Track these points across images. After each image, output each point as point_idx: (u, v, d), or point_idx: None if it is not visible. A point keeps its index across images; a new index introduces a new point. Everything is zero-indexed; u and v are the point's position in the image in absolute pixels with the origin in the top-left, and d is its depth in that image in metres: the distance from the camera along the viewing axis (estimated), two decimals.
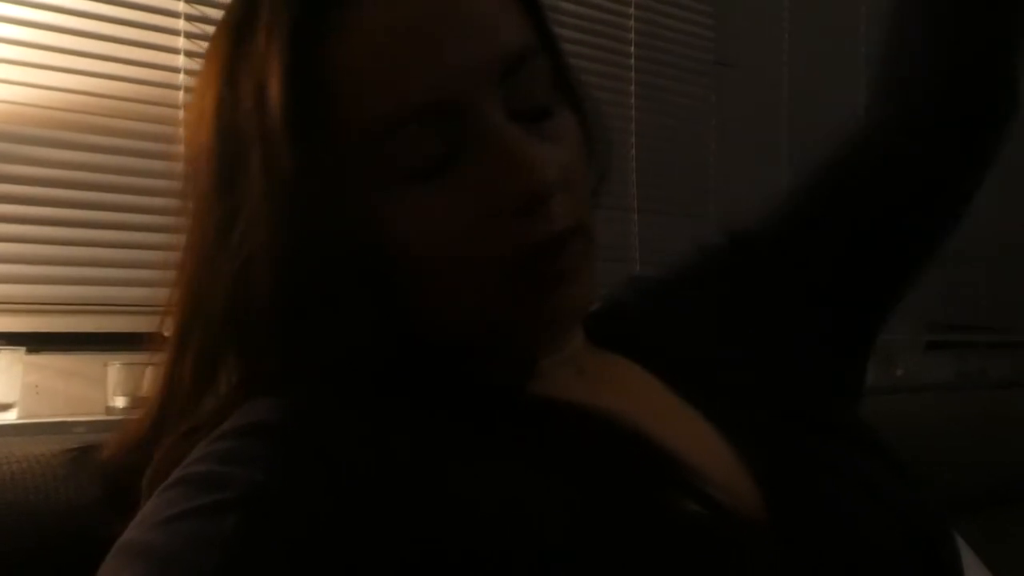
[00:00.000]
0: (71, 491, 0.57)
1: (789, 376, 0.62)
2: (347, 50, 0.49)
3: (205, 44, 1.07)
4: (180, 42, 1.07)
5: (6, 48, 0.97)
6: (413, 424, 0.48)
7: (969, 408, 1.41)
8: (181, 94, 1.07)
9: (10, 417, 0.94)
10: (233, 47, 0.52)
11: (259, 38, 0.50)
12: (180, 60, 1.07)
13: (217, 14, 1.09)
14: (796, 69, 1.71)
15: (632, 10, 1.57)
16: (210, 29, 1.08)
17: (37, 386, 0.97)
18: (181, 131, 1.05)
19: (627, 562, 0.43)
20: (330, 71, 0.49)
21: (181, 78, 1.07)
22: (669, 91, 1.59)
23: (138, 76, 1.05)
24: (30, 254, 0.97)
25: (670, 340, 0.63)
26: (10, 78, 0.97)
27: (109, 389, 0.99)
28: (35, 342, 0.98)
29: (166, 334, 0.55)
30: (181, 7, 1.07)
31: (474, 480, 0.45)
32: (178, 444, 0.49)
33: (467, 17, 0.50)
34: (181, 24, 1.07)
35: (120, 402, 0.98)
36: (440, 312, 0.52)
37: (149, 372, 0.99)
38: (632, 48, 1.56)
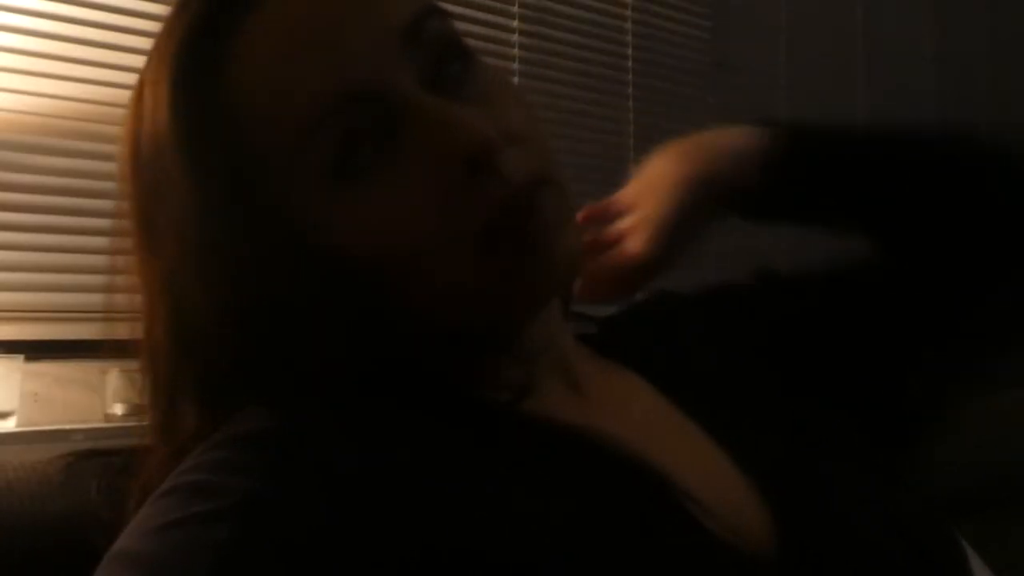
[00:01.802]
0: (66, 498, 0.57)
1: (794, 395, 0.62)
2: (245, 64, 0.48)
3: None
4: None
5: (1, 56, 0.97)
6: (408, 432, 0.47)
7: (970, 409, 1.41)
8: None
9: (9, 425, 0.94)
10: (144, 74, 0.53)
11: (151, 67, 0.52)
12: None
13: None
14: (793, 69, 1.71)
15: (629, 13, 1.57)
16: None
17: (36, 394, 0.97)
18: None
19: None
20: (231, 89, 0.48)
21: None
22: (666, 93, 1.59)
23: (131, 81, 1.05)
24: (27, 262, 0.98)
25: (679, 356, 0.62)
26: (4, 86, 0.97)
27: (108, 396, 0.99)
28: (33, 350, 0.98)
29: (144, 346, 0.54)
30: None
31: (470, 489, 0.45)
32: (171, 453, 0.49)
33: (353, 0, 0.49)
34: None
35: (119, 409, 0.98)
36: (422, 303, 0.50)
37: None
38: (630, 51, 1.56)
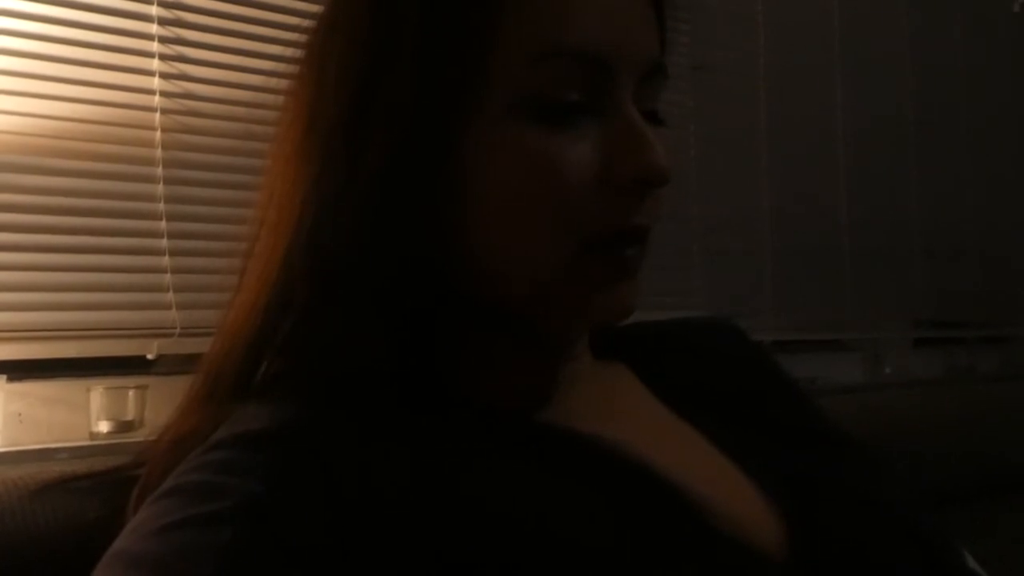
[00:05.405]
0: (48, 515, 0.57)
1: (786, 402, 0.62)
2: None
3: (179, 64, 1.08)
4: (154, 64, 1.07)
5: None
6: (414, 436, 0.47)
7: (958, 403, 1.41)
8: (158, 116, 1.07)
9: None
10: None
11: None
12: (155, 82, 1.07)
13: (190, 34, 1.09)
14: (772, 70, 1.72)
15: None
16: (184, 50, 1.09)
17: (20, 414, 0.97)
18: (159, 153, 1.06)
19: None
20: None
21: (157, 100, 1.07)
22: None
23: (115, 100, 1.05)
24: (8, 281, 0.97)
25: (678, 371, 0.62)
26: None
27: (92, 414, 0.98)
28: (16, 370, 0.97)
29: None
30: (155, 30, 1.08)
31: (479, 491, 0.44)
32: (166, 454, 0.49)
33: (644, 10, 0.54)
34: (155, 47, 1.07)
35: (103, 427, 0.97)
36: (501, 274, 0.51)
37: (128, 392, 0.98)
38: None
